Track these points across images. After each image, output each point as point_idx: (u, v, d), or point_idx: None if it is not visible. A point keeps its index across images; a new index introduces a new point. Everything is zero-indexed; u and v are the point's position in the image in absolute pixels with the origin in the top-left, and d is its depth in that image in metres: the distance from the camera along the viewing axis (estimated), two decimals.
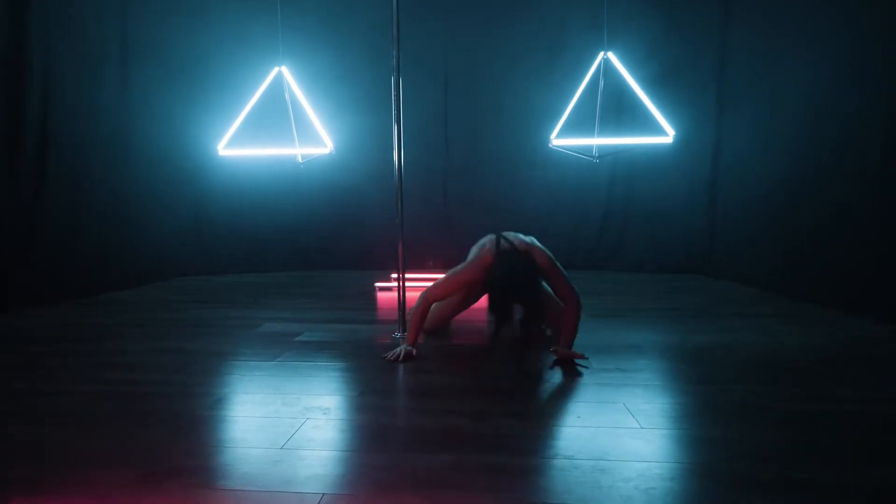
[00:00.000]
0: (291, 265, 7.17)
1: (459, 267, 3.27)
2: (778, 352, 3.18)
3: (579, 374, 2.80)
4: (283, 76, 6.11)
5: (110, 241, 5.57)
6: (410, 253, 5.70)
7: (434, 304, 3.40)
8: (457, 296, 3.48)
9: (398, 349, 3.11)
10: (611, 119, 6.41)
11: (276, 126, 6.36)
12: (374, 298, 5.19)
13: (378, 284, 5.64)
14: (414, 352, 3.11)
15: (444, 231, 7.06)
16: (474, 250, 3.36)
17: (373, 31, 6.84)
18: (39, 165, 4.87)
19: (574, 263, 6.70)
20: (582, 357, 2.91)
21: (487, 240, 3.29)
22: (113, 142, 5.68)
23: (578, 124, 6.07)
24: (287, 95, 6.17)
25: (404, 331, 3.60)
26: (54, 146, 4.98)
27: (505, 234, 3.26)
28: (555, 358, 2.99)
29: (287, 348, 3.33)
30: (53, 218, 4.96)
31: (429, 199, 6.98)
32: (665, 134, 5.68)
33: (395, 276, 6.05)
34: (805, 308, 4.43)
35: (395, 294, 5.29)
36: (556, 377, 2.76)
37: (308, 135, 6.23)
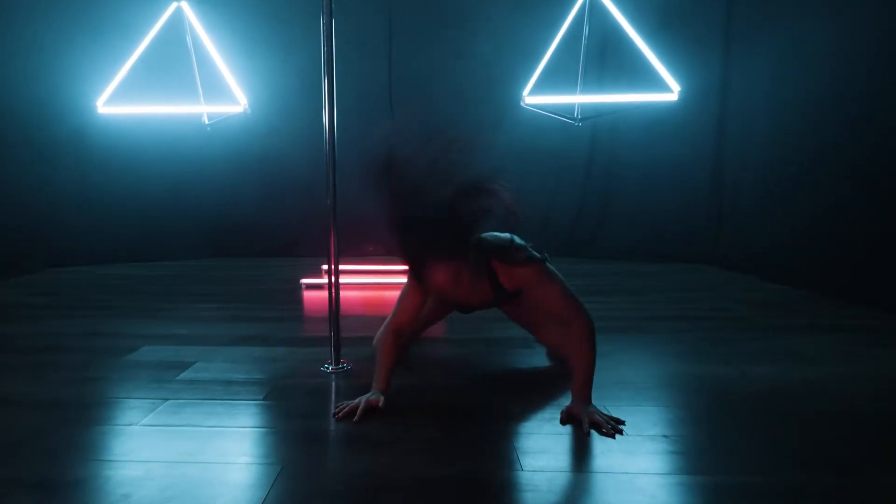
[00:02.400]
0: (198, 252, 6.17)
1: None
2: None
3: (610, 436, 1.92)
4: (184, 13, 5.04)
5: None
6: (346, 236, 4.79)
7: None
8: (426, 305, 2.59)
9: (357, 400, 2.15)
10: (596, 72, 5.52)
11: (176, 78, 5.32)
12: (300, 300, 4.22)
13: (305, 281, 4.65)
14: (381, 402, 2.13)
15: None
16: None
17: None
18: None
19: (546, 250, 5.84)
20: (615, 428, 1.98)
21: None
22: None
23: (556, 79, 5.14)
24: (189, 39, 5.12)
25: (338, 359, 2.67)
26: None
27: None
28: (566, 414, 2.08)
29: (167, 393, 2.35)
30: None
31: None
32: (667, 90, 4.79)
33: (326, 267, 5.13)
34: (860, 313, 3.64)
35: (326, 294, 4.35)
36: (581, 449, 1.84)
37: (216, 89, 5.18)
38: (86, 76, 5.48)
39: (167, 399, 2.29)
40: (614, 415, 2.07)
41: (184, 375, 2.58)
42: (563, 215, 6.08)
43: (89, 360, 2.80)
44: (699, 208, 5.75)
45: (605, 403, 2.18)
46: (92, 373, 2.63)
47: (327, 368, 2.66)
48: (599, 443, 1.89)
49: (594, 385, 2.13)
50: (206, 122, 5.44)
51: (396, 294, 2.43)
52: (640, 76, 4.94)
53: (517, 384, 2.48)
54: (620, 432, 1.95)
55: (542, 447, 1.87)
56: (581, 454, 1.82)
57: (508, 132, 5.95)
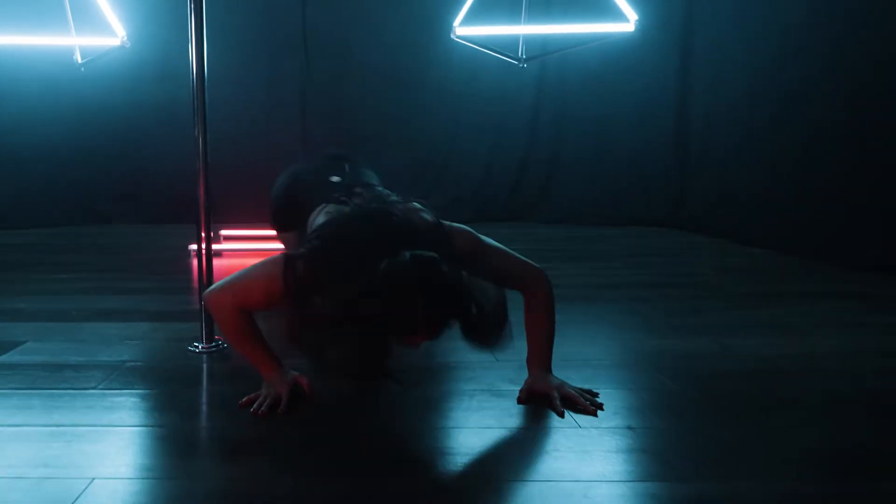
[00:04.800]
0: (74, 217, 5.62)
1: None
2: None
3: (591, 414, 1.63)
4: None
5: None
6: (253, 197, 4.37)
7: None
8: None
9: (264, 391, 1.70)
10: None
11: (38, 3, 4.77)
12: (187, 270, 3.79)
13: (195, 247, 4.17)
14: (284, 392, 1.68)
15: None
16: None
17: None
18: None
19: (486, 214, 5.51)
20: (593, 402, 1.70)
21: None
22: None
23: (496, 6, 4.73)
24: None
25: (211, 336, 2.23)
26: None
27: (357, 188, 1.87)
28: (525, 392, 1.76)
29: None
30: None
31: (279, 121, 5.56)
32: (623, 20, 4.39)
33: (227, 234, 4.68)
34: (853, 279, 3.38)
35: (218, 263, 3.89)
36: (519, 448, 1.46)
37: (89, 18, 4.64)
38: None
39: None
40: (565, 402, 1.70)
41: (2, 359, 2.12)
42: (505, 173, 5.73)
43: None
44: (661, 163, 5.45)
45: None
46: None
47: (196, 348, 2.22)
48: (544, 439, 1.51)
49: (521, 366, 1.83)
50: (80, 61, 4.89)
51: None
52: (593, 2, 4.55)
53: (437, 365, 2.09)
54: (601, 407, 1.67)
55: (468, 446, 1.48)
56: (520, 455, 1.44)
57: (440, 74, 5.54)
